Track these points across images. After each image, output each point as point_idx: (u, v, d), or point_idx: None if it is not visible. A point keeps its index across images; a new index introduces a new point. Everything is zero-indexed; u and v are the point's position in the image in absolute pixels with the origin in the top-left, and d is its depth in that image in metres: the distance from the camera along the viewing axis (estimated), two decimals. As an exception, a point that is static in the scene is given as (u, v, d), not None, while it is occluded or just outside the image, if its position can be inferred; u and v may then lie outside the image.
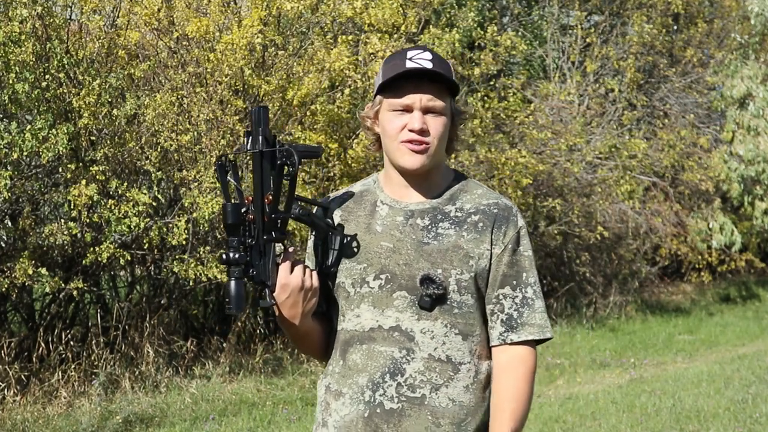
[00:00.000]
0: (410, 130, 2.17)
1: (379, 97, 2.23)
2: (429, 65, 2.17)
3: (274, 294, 2.14)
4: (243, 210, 2.09)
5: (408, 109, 2.18)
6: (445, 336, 2.17)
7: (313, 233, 2.29)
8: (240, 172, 1.91)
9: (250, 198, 2.11)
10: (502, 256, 2.20)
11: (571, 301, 12.74)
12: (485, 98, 11.30)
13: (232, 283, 2.06)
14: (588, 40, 14.28)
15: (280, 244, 2.16)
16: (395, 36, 9.02)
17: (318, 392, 2.30)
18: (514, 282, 2.20)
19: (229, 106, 7.82)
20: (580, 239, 12.40)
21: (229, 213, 2.06)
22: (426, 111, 2.17)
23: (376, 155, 6.50)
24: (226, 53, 7.71)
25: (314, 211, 2.28)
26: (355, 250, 2.22)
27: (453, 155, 10.12)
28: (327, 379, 2.26)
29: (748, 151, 13.45)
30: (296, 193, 2.19)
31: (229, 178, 2.13)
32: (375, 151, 2.30)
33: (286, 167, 2.09)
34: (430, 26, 10.49)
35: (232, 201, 2.10)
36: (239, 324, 8.72)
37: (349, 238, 2.23)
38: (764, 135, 13.49)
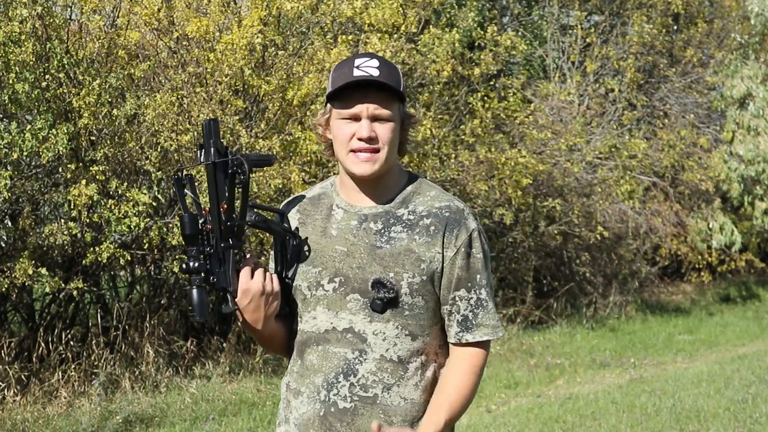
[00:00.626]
0: (359, 138, 2.21)
1: (329, 105, 2.28)
2: (375, 73, 2.20)
3: (236, 299, 2.20)
4: (201, 221, 2.16)
5: (356, 118, 2.22)
6: (397, 337, 2.23)
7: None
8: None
9: (207, 209, 2.17)
10: (455, 259, 2.25)
11: (571, 301, 12.73)
12: (485, 98, 11.30)
13: (194, 291, 2.14)
14: (588, 40, 14.27)
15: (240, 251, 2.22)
16: (395, 36, 9.02)
17: (281, 390, 2.37)
18: (469, 284, 2.26)
19: (229, 106, 7.82)
20: (580, 239, 12.39)
21: (186, 224, 2.13)
22: (373, 119, 2.22)
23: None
24: (226, 53, 7.71)
25: (272, 217, 2.34)
26: (307, 254, 2.28)
27: (453, 156, 10.14)
28: (287, 378, 2.33)
29: (748, 151, 13.45)
30: (294, 196, 2.22)
31: (186, 191, 2.19)
32: (329, 156, 2.34)
33: (237, 176, 2.15)
34: (430, 26, 10.49)
35: (192, 211, 2.16)
36: (239, 324, 8.72)
37: (300, 243, 2.29)
38: (764, 135, 13.49)
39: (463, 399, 2.23)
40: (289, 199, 2.40)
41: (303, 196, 2.37)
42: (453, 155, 10.22)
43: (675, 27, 15.73)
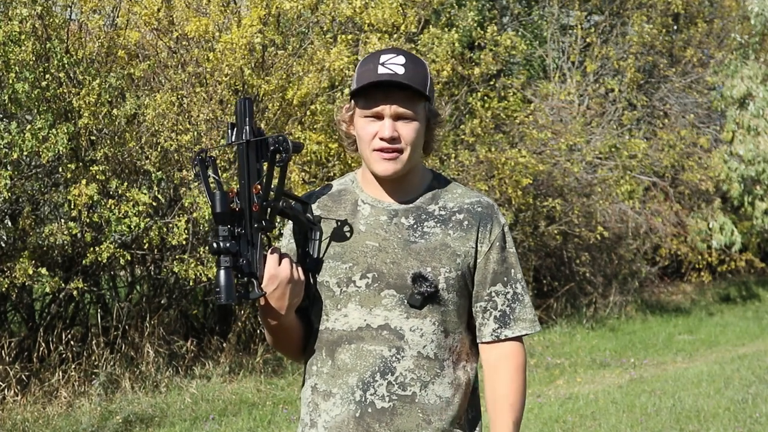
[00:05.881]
0: (381, 138, 2.17)
1: (353, 102, 2.23)
2: (401, 71, 2.15)
3: (262, 285, 2.12)
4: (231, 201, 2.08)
5: (379, 117, 2.17)
6: (433, 333, 2.18)
7: (291, 227, 2.29)
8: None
9: (234, 190, 2.10)
10: (490, 254, 2.22)
11: (571, 301, 12.73)
12: (485, 98, 11.30)
13: (222, 273, 2.03)
14: (588, 40, 14.28)
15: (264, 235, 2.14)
16: (395, 36, 9.02)
17: (303, 393, 2.29)
18: (505, 279, 2.23)
19: (229, 105, 7.82)
20: (580, 239, 12.39)
21: (218, 201, 2.05)
22: (397, 118, 2.17)
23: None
24: (226, 53, 7.71)
25: (294, 206, 2.28)
26: (348, 234, 2.22)
27: (453, 156, 10.14)
28: (313, 380, 2.25)
29: (748, 151, 13.45)
30: (312, 191, 2.17)
31: (209, 173, 2.11)
32: (353, 152, 2.30)
33: (279, 154, 2.07)
34: (430, 26, 10.49)
35: (222, 190, 2.08)
36: (239, 324, 8.72)
37: (339, 223, 2.23)
38: (764, 135, 13.49)
39: (521, 398, 2.21)
40: (307, 193, 2.34)
41: (325, 190, 2.32)
42: (453, 155, 10.22)
43: (675, 27, 15.73)
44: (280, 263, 2.13)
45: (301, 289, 2.17)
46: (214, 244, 2.04)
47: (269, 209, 2.10)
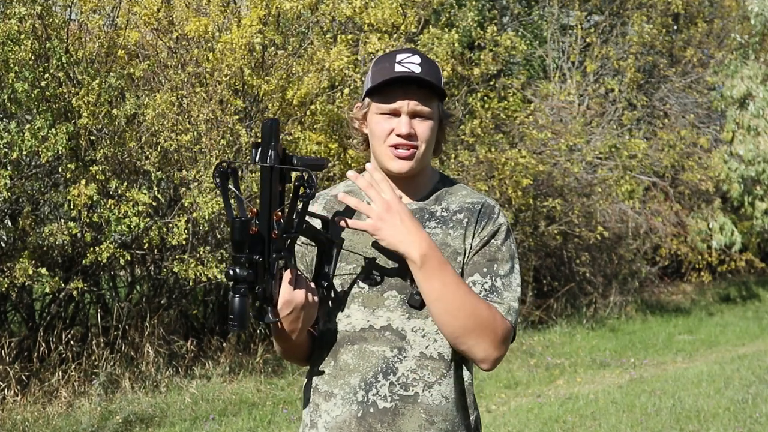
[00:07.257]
0: (398, 135, 2.18)
1: (367, 99, 2.24)
2: (417, 69, 2.18)
3: (277, 308, 2.10)
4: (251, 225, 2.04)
5: (395, 113, 2.19)
6: (436, 333, 2.17)
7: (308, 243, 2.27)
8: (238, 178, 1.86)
9: (254, 210, 2.06)
10: (476, 248, 2.20)
11: (571, 301, 12.73)
12: (485, 98, 11.30)
13: (237, 300, 2.01)
14: (588, 40, 14.28)
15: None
16: (395, 36, 9.02)
17: (304, 394, 2.29)
18: (485, 269, 2.19)
19: (229, 105, 7.82)
20: (580, 239, 12.40)
21: (238, 230, 2.00)
22: (413, 115, 2.19)
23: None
24: (226, 53, 7.71)
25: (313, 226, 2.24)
26: (355, 239, 2.21)
27: (453, 156, 10.14)
28: (315, 380, 2.25)
29: (748, 151, 13.45)
30: (318, 193, 2.14)
31: (230, 185, 2.07)
32: (362, 150, 2.30)
33: (303, 188, 2.03)
34: (430, 26, 10.49)
35: (233, 209, 2.06)
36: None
37: (353, 233, 2.20)
38: (764, 135, 13.49)
39: (473, 308, 2.10)
40: (316, 195, 2.32)
41: (331, 194, 2.32)
42: (453, 155, 10.22)
43: (675, 27, 15.74)
44: (295, 287, 2.10)
45: (314, 312, 2.16)
46: (230, 272, 2.01)
47: (290, 239, 2.06)
